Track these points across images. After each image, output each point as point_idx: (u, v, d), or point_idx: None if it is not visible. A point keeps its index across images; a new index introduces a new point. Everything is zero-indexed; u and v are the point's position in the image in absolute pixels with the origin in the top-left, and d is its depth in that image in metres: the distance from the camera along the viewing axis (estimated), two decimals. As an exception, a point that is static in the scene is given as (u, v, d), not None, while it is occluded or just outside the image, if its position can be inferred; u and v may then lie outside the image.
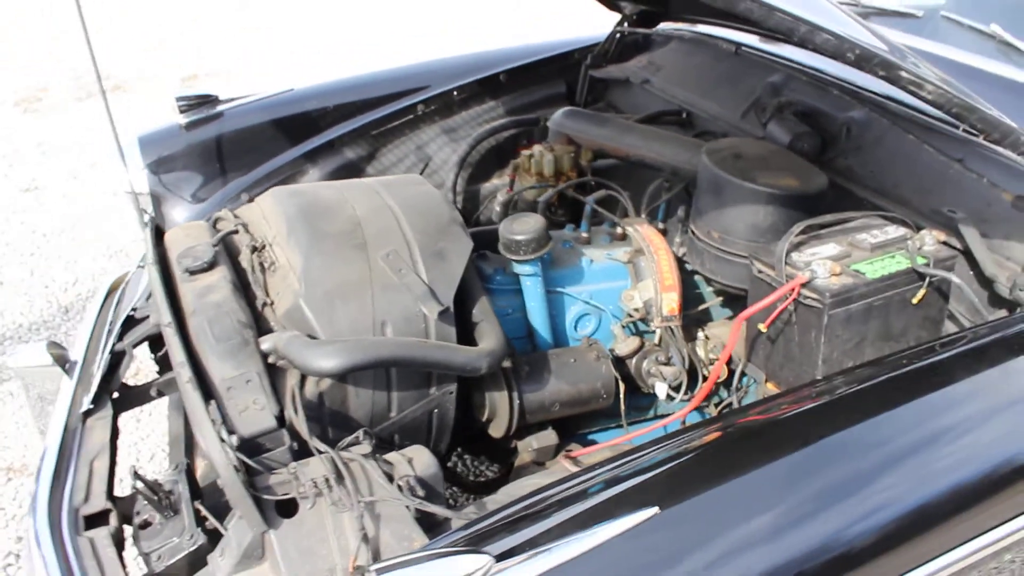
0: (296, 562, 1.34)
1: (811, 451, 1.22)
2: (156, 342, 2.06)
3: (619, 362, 1.96)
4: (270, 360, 1.54)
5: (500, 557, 1.01)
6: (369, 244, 1.66)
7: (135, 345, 2.04)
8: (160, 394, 2.02)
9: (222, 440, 1.38)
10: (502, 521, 1.11)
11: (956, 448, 1.27)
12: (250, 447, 1.43)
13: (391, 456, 1.46)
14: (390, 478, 1.40)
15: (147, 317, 2.06)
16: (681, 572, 1.06)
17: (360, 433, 1.47)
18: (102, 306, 2.37)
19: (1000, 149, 1.67)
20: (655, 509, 1.08)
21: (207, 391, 1.49)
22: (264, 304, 1.67)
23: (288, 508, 1.40)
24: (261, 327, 1.62)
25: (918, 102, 1.81)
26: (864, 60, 1.39)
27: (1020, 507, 1.28)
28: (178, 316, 1.64)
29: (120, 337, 2.07)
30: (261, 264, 1.74)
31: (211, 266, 1.71)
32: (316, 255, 1.62)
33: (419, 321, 1.60)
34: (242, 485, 1.35)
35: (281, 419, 1.46)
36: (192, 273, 1.70)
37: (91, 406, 1.95)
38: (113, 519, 1.75)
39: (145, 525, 1.83)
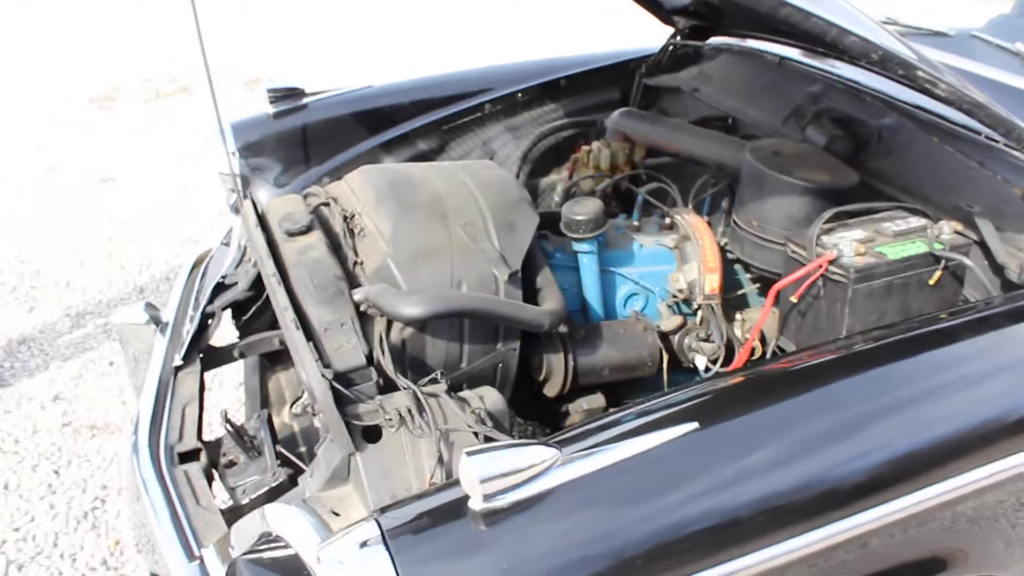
0: (377, 482, 1.54)
1: (822, 392, 1.42)
2: (239, 308, 2.30)
3: (663, 337, 2.16)
4: (361, 308, 1.77)
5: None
6: (449, 215, 1.89)
7: (224, 308, 2.27)
8: (242, 355, 2.25)
9: (321, 372, 1.61)
10: (566, 432, 1.33)
11: (954, 401, 1.47)
12: (342, 380, 1.64)
13: (464, 393, 1.67)
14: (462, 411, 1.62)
15: (236, 283, 2.30)
16: (712, 477, 1.27)
17: (437, 373, 1.69)
18: (189, 276, 2.62)
19: (1017, 153, 1.87)
20: (695, 424, 1.29)
21: (307, 331, 1.71)
22: (355, 263, 1.90)
23: (372, 434, 1.61)
24: (352, 282, 1.85)
25: (944, 109, 2.02)
26: (886, 60, 1.59)
27: (1005, 453, 1.46)
28: (279, 271, 1.88)
29: (210, 301, 2.30)
30: (351, 230, 1.97)
31: (308, 229, 1.95)
32: (403, 221, 1.85)
33: (491, 282, 1.82)
34: (336, 410, 1.57)
35: (370, 358, 1.69)
36: (291, 235, 1.94)
37: (181, 362, 2.19)
38: (203, 457, 1.99)
39: (230, 464, 2.08)
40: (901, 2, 3.12)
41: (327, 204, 2.09)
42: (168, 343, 2.29)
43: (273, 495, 1.80)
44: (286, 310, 1.73)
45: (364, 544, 1.18)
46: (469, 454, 1.17)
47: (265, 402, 2.27)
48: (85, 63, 7.79)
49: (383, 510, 1.23)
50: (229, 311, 2.30)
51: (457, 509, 1.21)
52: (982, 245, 1.87)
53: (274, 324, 2.28)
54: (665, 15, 2.91)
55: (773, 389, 1.44)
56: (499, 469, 1.16)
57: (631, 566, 1.21)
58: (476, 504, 1.18)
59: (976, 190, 1.94)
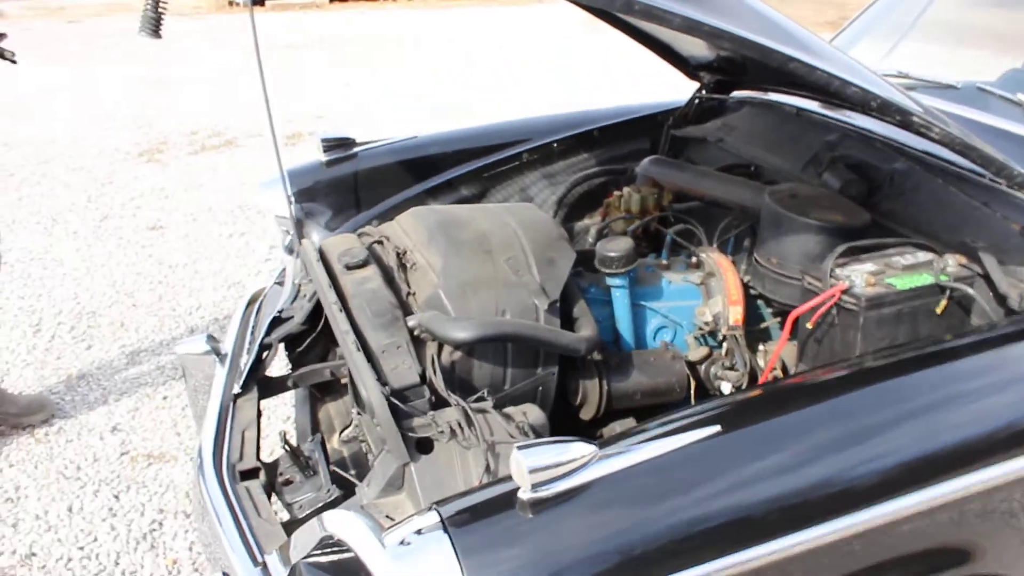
0: (430, 489, 1.70)
1: (835, 403, 1.58)
2: (293, 342, 2.47)
3: (691, 367, 2.32)
4: (415, 333, 1.94)
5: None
6: (494, 251, 2.07)
7: (280, 340, 2.45)
8: (295, 385, 2.42)
9: (380, 389, 1.78)
10: (603, 439, 1.49)
11: (963, 412, 1.61)
12: (398, 397, 1.81)
13: (509, 409, 1.84)
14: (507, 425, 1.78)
15: (291, 317, 2.48)
16: (733, 476, 1.43)
17: (483, 392, 1.86)
18: (245, 311, 2.81)
19: (1017, 193, 2.03)
20: (718, 427, 1.45)
21: (366, 354, 1.89)
22: (408, 294, 2.08)
23: (425, 446, 1.78)
24: (405, 311, 2.03)
25: (950, 155, 2.18)
26: (884, 107, 1.76)
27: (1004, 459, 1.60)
28: (340, 300, 2.06)
29: (267, 333, 2.48)
30: (403, 264, 2.16)
31: (365, 263, 2.13)
32: (452, 256, 2.03)
33: (532, 311, 1.99)
34: (393, 422, 1.74)
35: (423, 377, 1.86)
36: (350, 268, 2.13)
37: (240, 390, 2.37)
38: (262, 475, 2.16)
39: (287, 483, 2.25)
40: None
41: (380, 242, 2.27)
42: (228, 373, 2.47)
43: (328, 509, 1.96)
44: (347, 334, 1.91)
45: (425, 530, 1.35)
46: (520, 448, 1.33)
47: (316, 429, 2.44)
48: (134, 118, 8.12)
49: (440, 503, 1.40)
50: (283, 344, 2.48)
51: (508, 500, 1.37)
52: (986, 278, 2.02)
53: (325, 357, 2.46)
54: (691, 71, 3.10)
55: (790, 399, 1.61)
56: (545, 462, 1.32)
57: (661, 553, 1.36)
58: (525, 494, 1.34)
59: (980, 227, 2.10)
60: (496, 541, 1.34)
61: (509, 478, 1.39)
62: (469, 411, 1.78)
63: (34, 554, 2.80)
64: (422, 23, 13.40)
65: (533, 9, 14.94)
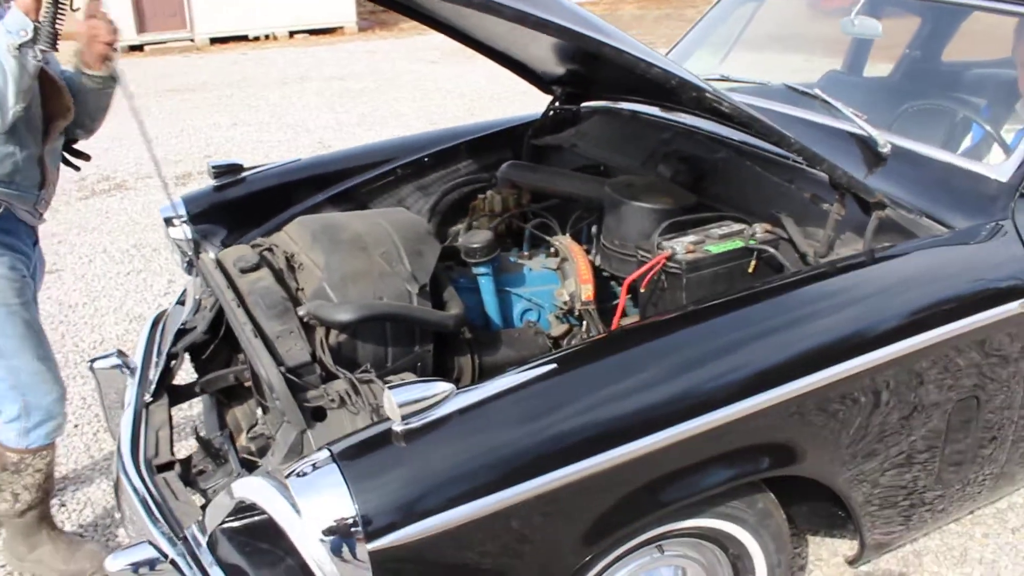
0: (326, 452, 1.99)
1: (665, 341, 1.92)
2: (197, 351, 2.72)
3: (555, 343, 2.64)
4: (305, 320, 2.22)
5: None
6: (370, 247, 2.36)
7: (185, 349, 2.69)
8: (202, 391, 2.66)
9: (277, 368, 2.05)
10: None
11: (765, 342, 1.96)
12: (293, 374, 2.08)
13: (390, 378, 2.13)
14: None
15: (195, 328, 2.72)
16: (562, 402, 1.75)
17: (367, 366, 2.15)
18: (151, 330, 3.04)
19: (813, 169, 2.41)
20: (555, 365, 1.77)
21: (264, 340, 2.16)
22: (296, 290, 2.36)
23: (320, 415, 2.06)
24: (295, 303, 2.30)
25: (763, 144, 2.55)
26: (680, 87, 2.06)
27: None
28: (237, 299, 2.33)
29: (173, 344, 2.72)
30: (292, 266, 2.44)
31: (258, 266, 2.40)
32: (333, 254, 2.32)
33: (405, 296, 2.29)
34: (290, 395, 2.02)
35: (313, 356, 2.14)
36: (244, 272, 2.39)
37: (151, 398, 2.60)
38: (178, 467, 2.40)
39: (201, 472, 2.50)
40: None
41: (270, 249, 2.55)
42: (139, 383, 2.69)
43: (237, 485, 2.21)
44: (245, 324, 2.18)
45: (318, 463, 1.63)
46: (390, 387, 1.63)
47: (224, 428, 2.68)
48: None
49: (331, 443, 1.68)
50: (188, 355, 2.72)
51: (385, 436, 1.66)
52: (789, 240, 2.40)
53: (228, 364, 2.71)
54: (544, 85, 3.45)
55: (627, 338, 1.96)
56: (412, 397, 1.62)
57: (512, 465, 1.67)
58: (397, 426, 1.63)
59: (784, 200, 2.48)
60: (377, 466, 1.63)
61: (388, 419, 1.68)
62: (355, 381, 2.07)
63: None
64: (305, 62, 13.63)
65: (405, 41, 15.33)
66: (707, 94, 2.07)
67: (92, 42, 2.44)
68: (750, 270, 2.33)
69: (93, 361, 2.82)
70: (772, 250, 2.31)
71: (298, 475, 1.62)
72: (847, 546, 2.82)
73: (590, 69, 3.06)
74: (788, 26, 4.71)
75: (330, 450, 1.64)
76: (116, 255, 5.83)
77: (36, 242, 2.70)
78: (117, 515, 3.02)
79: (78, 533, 3.13)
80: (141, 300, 5.11)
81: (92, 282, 5.41)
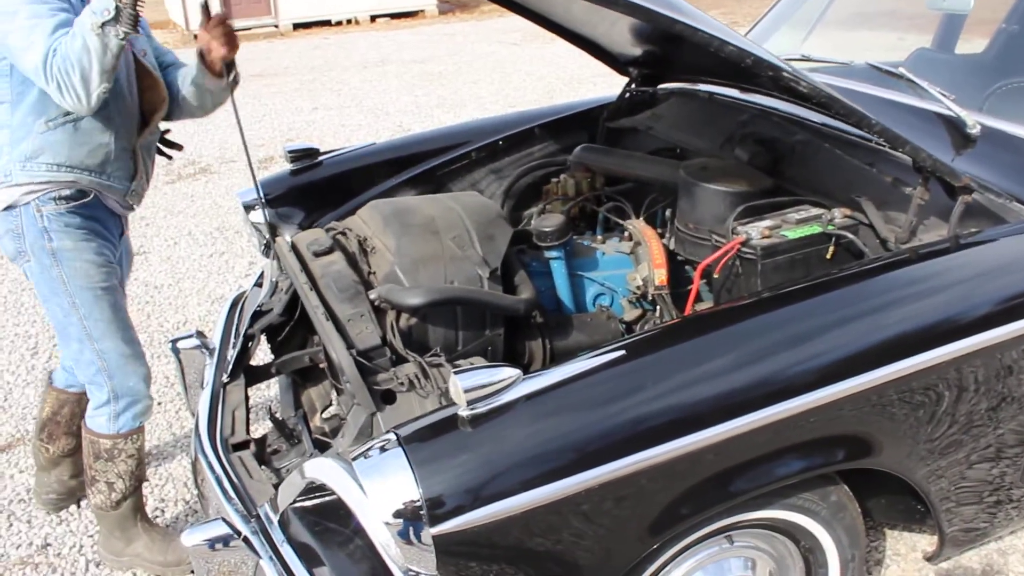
0: (395, 434, 2.00)
1: (738, 329, 1.88)
2: (273, 333, 2.76)
3: (628, 327, 2.62)
4: (376, 304, 2.23)
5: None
6: (441, 231, 2.36)
7: (262, 331, 2.73)
8: (278, 372, 2.70)
9: (347, 351, 2.07)
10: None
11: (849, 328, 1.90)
12: (364, 357, 2.10)
13: (460, 362, 2.13)
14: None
15: (271, 310, 2.76)
16: (633, 388, 1.72)
17: (436, 349, 2.16)
18: (229, 311, 3.09)
19: (896, 152, 2.33)
20: (624, 352, 1.75)
21: (335, 324, 2.18)
22: (369, 273, 2.38)
23: (389, 398, 2.08)
24: (367, 287, 2.32)
25: (844, 125, 2.47)
26: (755, 66, 2.01)
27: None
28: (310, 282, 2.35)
29: (250, 325, 2.76)
30: (364, 249, 2.45)
31: (331, 250, 2.43)
32: (405, 237, 2.33)
33: (476, 280, 2.29)
34: (360, 378, 2.03)
35: (384, 339, 2.15)
36: (317, 255, 2.42)
37: (229, 378, 2.65)
38: (252, 446, 2.44)
39: (275, 452, 2.54)
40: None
41: (343, 233, 2.57)
42: (216, 364, 2.75)
43: (310, 465, 2.24)
44: (317, 308, 2.20)
45: (386, 447, 1.63)
46: (456, 372, 1.62)
47: (299, 408, 2.72)
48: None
49: (397, 427, 1.68)
50: (265, 336, 2.76)
51: (451, 420, 1.66)
52: (870, 226, 2.33)
53: (303, 346, 2.75)
54: (621, 67, 3.41)
55: (701, 323, 1.92)
56: (478, 383, 1.62)
57: (584, 452, 1.65)
58: (463, 411, 1.63)
59: (865, 183, 2.41)
60: (442, 451, 1.63)
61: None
62: (425, 365, 2.08)
63: (48, 544, 3.06)
64: (386, 46, 13.73)
65: (486, 23, 15.33)
66: (784, 73, 2.01)
67: (209, 53, 2.55)
68: (828, 256, 2.27)
69: (175, 341, 2.88)
70: (851, 236, 2.24)
71: (364, 457, 1.63)
72: (926, 541, 2.75)
73: (666, 50, 3.01)
74: (877, 2, 4.58)
75: (396, 434, 1.64)
76: (200, 237, 5.97)
77: (123, 232, 2.76)
78: (195, 491, 3.10)
79: (160, 509, 3.22)
80: (223, 281, 5.22)
81: (177, 264, 5.54)
